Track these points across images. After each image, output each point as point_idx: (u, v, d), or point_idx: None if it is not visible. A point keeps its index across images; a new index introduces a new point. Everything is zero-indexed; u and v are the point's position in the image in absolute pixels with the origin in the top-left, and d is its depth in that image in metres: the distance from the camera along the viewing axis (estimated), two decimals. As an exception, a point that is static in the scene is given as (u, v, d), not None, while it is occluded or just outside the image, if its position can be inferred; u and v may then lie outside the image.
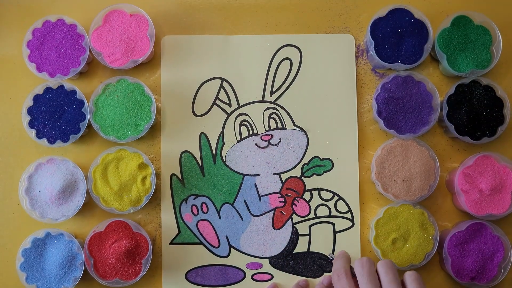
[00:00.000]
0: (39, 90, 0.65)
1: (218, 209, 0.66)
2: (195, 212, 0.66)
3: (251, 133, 0.67)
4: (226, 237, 0.66)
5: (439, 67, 0.68)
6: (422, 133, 0.64)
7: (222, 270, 0.66)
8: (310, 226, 0.66)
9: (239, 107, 0.68)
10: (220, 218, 0.66)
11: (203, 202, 0.66)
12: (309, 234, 0.66)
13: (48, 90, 0.65)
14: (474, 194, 0.63)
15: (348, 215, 0.66)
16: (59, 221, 0.63)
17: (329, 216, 0.66)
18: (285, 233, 0.66)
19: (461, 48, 0.65)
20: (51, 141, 0.64)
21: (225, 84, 0.68)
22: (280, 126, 0.67)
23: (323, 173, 0.67)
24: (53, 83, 0.65)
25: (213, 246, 0.66)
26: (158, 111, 0.67)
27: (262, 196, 0.66)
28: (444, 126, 0.66)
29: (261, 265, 0.66)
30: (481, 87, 0.65)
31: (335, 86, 0.67)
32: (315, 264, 0.66)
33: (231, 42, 0.68)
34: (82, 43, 0.65)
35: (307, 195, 0.66)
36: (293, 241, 0.66)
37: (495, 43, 0.65)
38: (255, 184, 0.66)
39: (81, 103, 0.65)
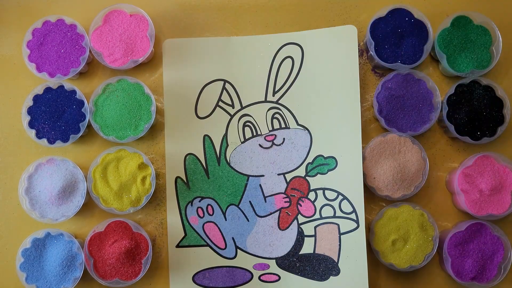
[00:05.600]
0: (39, 90, 0.65)
1: (224, 210, 0.66)
2: (201, 215, 0.66)
3: (254, 134, 0.67)
4: (233, 238, 0.66)
5: (439, 67, 0.68)
6: (422, 131, 0.64)
7: (229, 272, 0.65)
8: (315, 227, 0.65)
9: (242, 108, 0.67)
10: (226, 219, 0.66)
11: (208, 204, 0.66)
12: (315, 235, 0.65)
13: (48, 90, 0.65)
14: (474, 194, 0.63)
15: (353, 216, 0.65)
16: (59, 221, 0.63)
17: (334, 216, 0.65)
18: (291, 233, 0.66)
19: (461, 48, 0.65)
20: (51, 141, 0.64)
21: (227, 85, 0.67)
22: (283, 125, 0.67)
23: (327, 172, 0.66)
24: (53, 83, 0.65)
25: (220, 248, 0.66)
26: (158, 111, 0.67)
27: (267, 196, 0.66)
28: (444, 126, 0.65)
29: (268, 266, 0.66)
30: (481, 87, 0.65)
31: (337, 82, 0.66)
32: (321, 266, 0.65)
33: (233, 43, 0.68)
34: (82, 43, 0.65)
35: (312, 195, 0.66)
36: (299, 242, 0.66)
37: (495, 43, 0.65)
38: (260, 185, 0.66)
39: (81, 103, 0.65)
